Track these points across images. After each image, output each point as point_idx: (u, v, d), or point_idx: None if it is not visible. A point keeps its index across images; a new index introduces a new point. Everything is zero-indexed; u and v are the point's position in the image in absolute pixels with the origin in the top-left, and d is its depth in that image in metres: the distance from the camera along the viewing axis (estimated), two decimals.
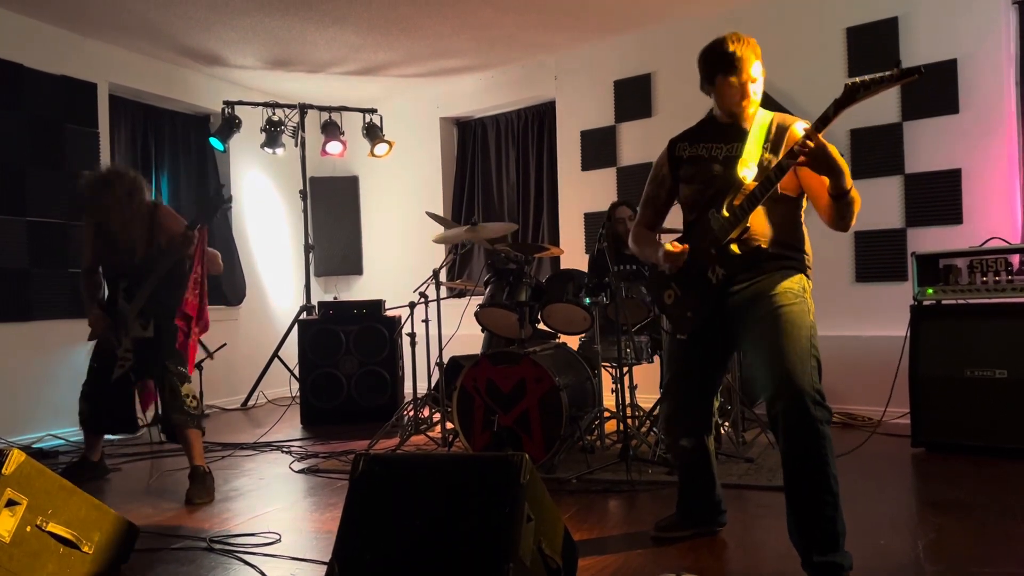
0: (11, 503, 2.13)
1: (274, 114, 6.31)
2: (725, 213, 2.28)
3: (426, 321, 4.55)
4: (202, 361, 5.55)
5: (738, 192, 2.25)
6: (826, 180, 2.12)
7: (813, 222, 2.40)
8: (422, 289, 4.51)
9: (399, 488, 1.96)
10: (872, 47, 4.76)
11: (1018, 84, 4.45)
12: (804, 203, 2.38)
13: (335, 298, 6.68)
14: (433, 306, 4.46)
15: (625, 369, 3.85)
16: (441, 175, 7.01)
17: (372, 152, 6.50)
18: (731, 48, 2.29)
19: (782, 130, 2.31)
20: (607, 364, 4.16)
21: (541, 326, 4.31)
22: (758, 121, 2.35)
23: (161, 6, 4.88)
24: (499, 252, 4.54)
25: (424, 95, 6.98)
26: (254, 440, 4.66)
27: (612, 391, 3.87)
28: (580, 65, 6.03)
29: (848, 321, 4.76)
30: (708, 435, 2.59)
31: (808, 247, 2.40)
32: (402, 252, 7.05)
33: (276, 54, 5.84)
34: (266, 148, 6.31)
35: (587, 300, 3.83)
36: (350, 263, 7.33)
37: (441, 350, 4.43)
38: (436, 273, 4.40)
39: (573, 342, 4.45)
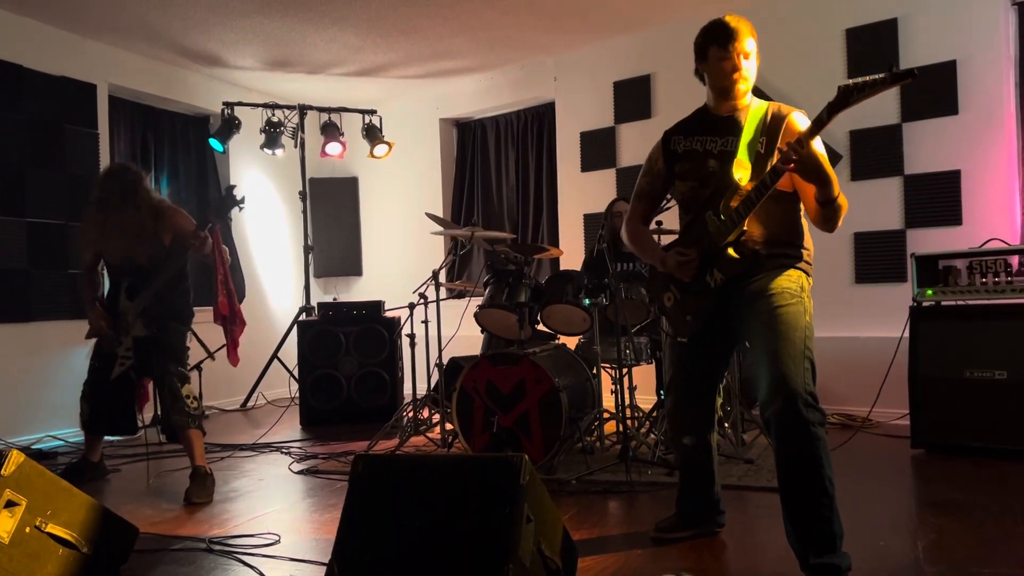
0: (10, 504, 2.13)
1: (274, 115, 6.31)
2: (722, 216, 2.27)
3: (426, 322, 4.55)
4: (201, 362, 5.55)
5: (734, 193, 2.24)
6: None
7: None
8: (421, 290, 4.52)
9: (399, 489, 1.96)
10: (871, 48, 4.76)
11: (1017, 85, 4.46)
12: None
13: (334, 299, 6.67)
14: (433, 307, 4.46)
15: (624, 370, 3.85)
16: (440, 176, 7.01)
17: (371, 153, 6.50)
18: (725, 19, 2.31)
19: (778, 119, 2.28)
20: (606, 365, 4.16)
21: (540, 327, 4.31)
22: (752, 111, 2.33)
23: (161, 7, 4.88)
24: (499, 253, 4.54)
25: (423, 96, 6.98)
26: (253, 441, 4.66)
27: (612, 392, 3.87)
28: (580, 66, 6.03)
29: (847, 322, 4.76)
30: (711, 432, 2.59)
31: (808, 241, 2.37)
32: (402, 253, 7.05)
33: (276, 55, 5.84)
34: (266, 149, 6.31)
35: (586, 301, 3.83)
36: (349, 264, 7.33)
37: (441, 351, 4.43)
38: (435, 274, 4.40)
39: (572, 343, 4.45)
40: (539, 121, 6.56)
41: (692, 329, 2.44)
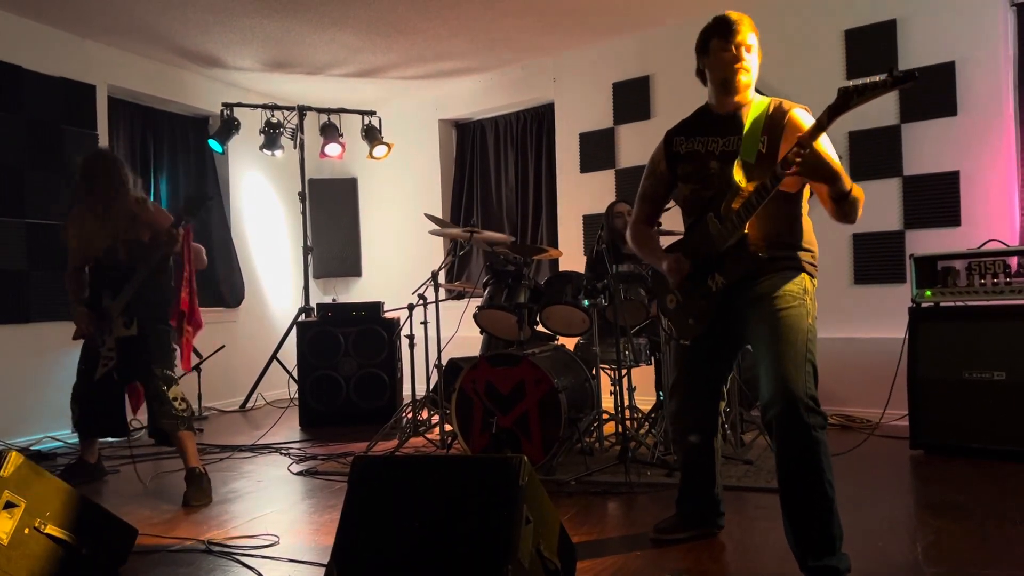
0: (9, 505, 2.13)
1: (273, 116, 6.31)
2: (723, 219, 2.26)
3: (425, 323, 4.55)
4: (198, 365, 5.56)
5: (735, 195, 2.23)
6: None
7: (814, 220, 2.38)
8: (421, 291, 4.52)
9: (398, 490, 1.96)
10: (870, 50, 4.76)
11: (1016, 86, 4.46)
12: (807, 193, 2.33)
13: (334, 300, 6.68)
14: (432, 308, 4.46)
15: (624, 371, 3.85)
16: (440, 177, 7.01)
17: (371, 154, 6.50)
18: (727, 14, 2.32)
19: (780, 116, 2.26)
20: (606, 366, 4.16)
21: (540, 328, 4.31)
22: (755, 108, 2.31)
23: (160, 8, 4.88)
24: (498, 254, 4.54)
25: (423, 97, 6.98)
26: (252, 442, 4.66)
27: (611, 393, 3.87)
28: (579, 67, 6.03)
29: (846, 323, 4.76)
30: (715, 434, 2.59)
31: (812, 241, 2.35)
32: (401, 254, 7.05)
33: (275, 56, 5.84)
34: (265, 150, 6.31)
35: (586, 302, 3.83)
36: (349, 265, 7.33)
37: (440, 352, 4.43)
38: (435, 275, 4.40)
39: (571, 344, 4.45)
40: (538, 122, 6.56)
41: (694, 332, 2.44)
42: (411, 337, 4.52)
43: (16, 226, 4.86)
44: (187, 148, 6.40)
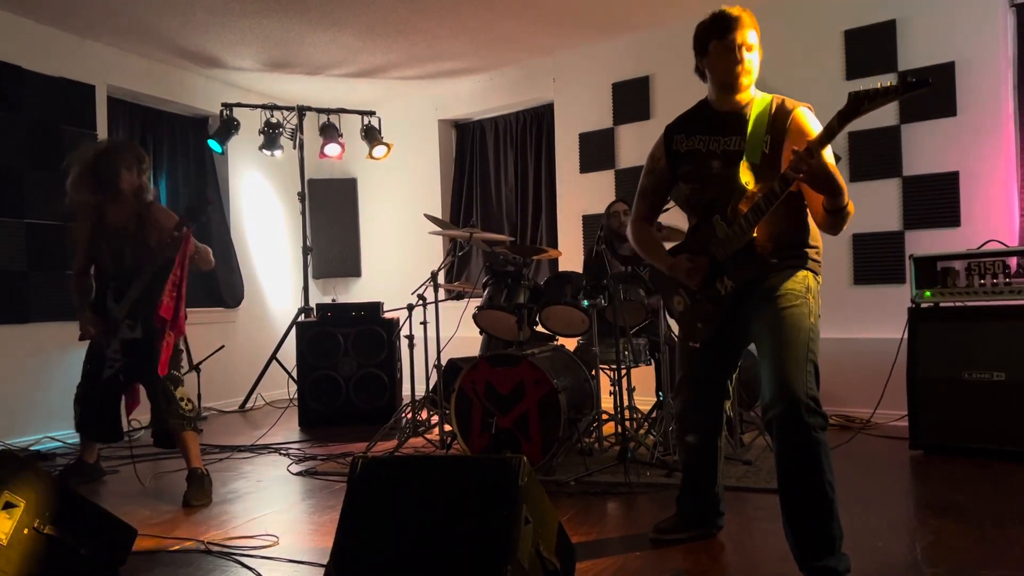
0: (8, 505, 2.13)
1: (272, 116, 6.31)
2: (730, 222, 2.25)
3: (424, 323, 4.55)
4: (198, 364, 5.56)
5: (742, 197, 2.21)
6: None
7: None
8: (420, 291, 4.51)
9: (397, 490, 1.96)
10: (870, 50, 4.77)
11: (1016, 87, 4.46)
12: None
13: (333, 300, 6.68)
14: (431, 308, 4.46)
15: (623, 371, 3.85)
16: (439, 177, 7.01)
17: (370, 154, 6.50)
18: (726, 10, 2.24)
19: (784, 113, 2.23)
20: (605, 366, 4.16)
21: (539, 328, 4.31)
22: (757, 105, 2.27)
23: (160, 8, 4.88)
24: (497, 254, 4.54)
25: (422, 97, 6.98)
26: (252, 442, 4.66)
27: (610, 393, 3.87)
28: (578, 67, 6.03)
29: (846, 323, 4.76)
30: (719, 433, 2.59)
31: (816, 238, 2.33)
32: (400, 254, 7.05)
33: (274, 56, 5.84)
34: (264, 150, 6.31)
35: (585, 303, 3.83)
36: (348, 265, 7.33)
37: (439, 352, 4.43)
38: (434, 275, 4.40)
39: (571, 344, 4.45)
40: (538, 122, 6.56)
41: (703, 336, 2.44)
42: (411, 337, 4.52)
43: (16, 226, 4.86)
44: (187, 148, 6.40)
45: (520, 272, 4.07)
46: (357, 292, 7.36)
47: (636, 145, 5.71)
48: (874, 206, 4.72)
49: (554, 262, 6.16)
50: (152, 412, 3.54)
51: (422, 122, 7.03)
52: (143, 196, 3.53)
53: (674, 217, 3.50)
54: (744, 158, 2.24)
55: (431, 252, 6.69)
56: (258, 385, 6.18)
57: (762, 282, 2.27)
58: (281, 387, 6.28)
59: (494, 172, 6.87)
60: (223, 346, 5.80)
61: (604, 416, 3.95)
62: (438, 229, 4.73)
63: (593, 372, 3.88)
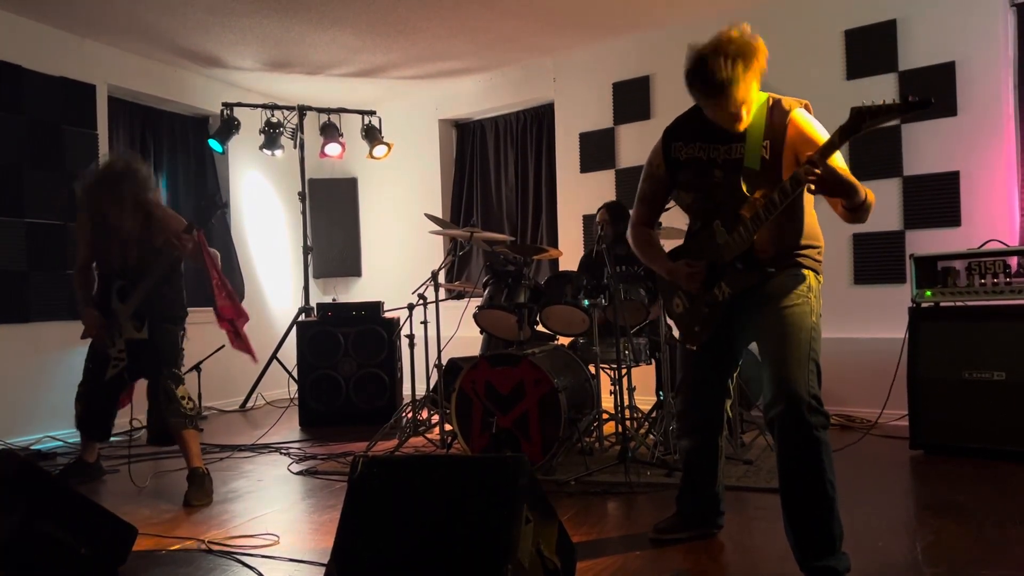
0: (11, 505, 2.13)
1: (273, 116, 6.31)
2: (730, 228, 2.25)
3: (425, 323, 4.55)
4: (201, 363, 5.56)
5: (743, 205, 2.21)
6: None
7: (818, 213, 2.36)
8: (421, 291, 4.51)
9: (398, 490, 1.96)
10: (870, 50, 4.77)
11: (1016, 87, 4.46)
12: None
13: (334, 300, 6.68)
14: (432, 308, 4.46)
15: (623, 371, 3.85)
16: (440, 177, 7.01)
17: (371, 154, 6.50)
18: (710, 70, 2.08)
19: (781, 115, 2.21)
20: (605, 366, 4.16)
21: (540, 328, 4.31)
22: (754, 110, 2.24)
23: (160, 8, 4.88)
24: (498, 254, 4.54)
25: (423, 97, 6.98)
26: (252, 442, 4.66)
27: (611, 393, 3.87)
28: (579, 67, 6.03)
29: (847, 323, 4.76)
30: (719, 433, 2.58)
31: (817, 237, 2.32)
32: (401, 254, 7.05)
33: (275, 56, 5.84)
34: (265, 150, 6.31)
35: (585, 302, 3.83)
36: (349, 265, 7.33)
37: (440, 352, 4.43)
38: (435, 275, 4.40)
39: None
40: (538, 122, 6.56)
41: (700, 339, 2.44)
42: (411, 337, 4.52)
43: (16, 226, 4.86)
44: (187, 148, 6.40)
45: (520, 272, 4.07)
46: (357, 292, 7.36)
47: (636, 145, 5.71)
48: (875, 206, 4.70)
49: (554, 262, 6.16)
50: (149, 410, 3.53)
51: (422, 122, 7.03)
52: (148, 201, 3.52)
53: (674, 217, 3.50)
54: (744, 168, 2.23)
55: (431, 252, 6.69)
56: (258, 385, 6.18)
57: (762, 284, 2.27)
58: (281, 387, 6.29)
59: (494, 172, 6.87)
60: (223, 346, 5.79)
61: (604, 416, 3.95)
62: (438, 229, 4.73)
63: (593, 372, 3.88)
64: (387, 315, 5.44)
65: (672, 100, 5.50)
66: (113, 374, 3.51)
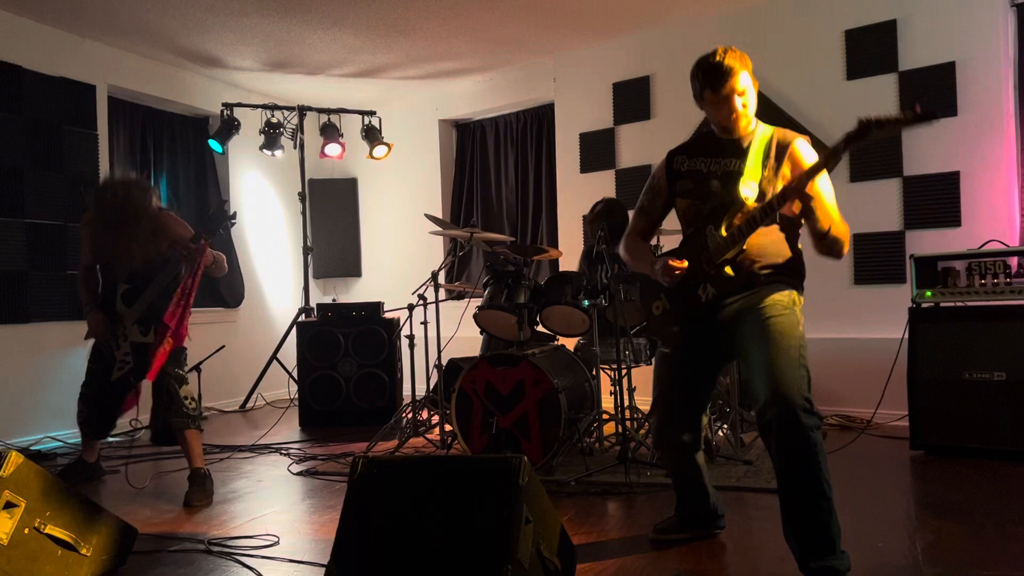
0: (9, 505, 2.13)
1: (273, 116, 6.31)
2: (723, 232, 2.28)
3: (425, 323, 4.55)
4: (200, 363, 5.56)
5: (738, 211, 2.25)
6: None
7: None
8: (421, 291, 4.51)
9: (398, 490, 1.96)
10: (871, 50, 4.77)
11: (1016, 87, 4.46)
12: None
13: (334, 300, 6.68)
14: (432, 308, 4.46)
15: (624, 371, 3.85)
16: (440, 177, 7.01)
17: (371, 154, 6.50)
18: (717, 60, 2.27)
19: (783, 147, 2.31)
20: (606, 366, 4.16)
21: (540, 328, 4.31)
22: (759, 137, 2.34)
23: (160, 8, 4.88)
24: (498, 254, 4.54)
25: (423, 97, 6.98)
26: (252, 442, 4.66)
27: (611, 393, 3.87)
28: (579, 67, 6.03)
29: (847, 323, 4.76)
30: (697, 451, 2.56)
31: (803, 272, 2.39)
32: (401, 254, 7.05)
33: (275, 56, 5.84)
34: (265, 150, 6.31)
35: (585, 303, 3.83)
36: (349, 265, 7.33)
37: (440, 352, 4.42)
38: (435, 275, 4.40)
39: (571, 344, 4.44)
40: (538, 122, 6.56)
41: (677, 341, 2.45)
42: (411, 337, 4.52)
43: (16, 226, 4.86)
44: (187, 148, 6.40)
45: (520, 272, 4.07)
46: (357, 292, 7.36)
47: (636, 145, 5.71)
48: (874, 206, 4.72)
49: (554, 262, 6.16)
50: (153, 410, 3.54)
51: (422, 122, 7.03)
52: (154, 209, 3.53)
53: (674, 217, 3.50)
54: (742, 180, 2.29)
55: (431, 252, 6.69)
56: (258, 385, 6.18)
57: (745, 295, 2.30)
58: (282, 387, 6.29)
59: (494, 172, 6.87)
60: (223, 346, 5.79)
61: (604, 416, 3.95)
62: (438, 229, 4.73)
63: (593, 372, 3.88)
64: (387, 315, 5.44)
65: (672, 100, 5.51)
66: (119, 376, 3.52)
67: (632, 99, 5.74)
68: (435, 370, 4.46)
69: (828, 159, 2.05)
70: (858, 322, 4.76)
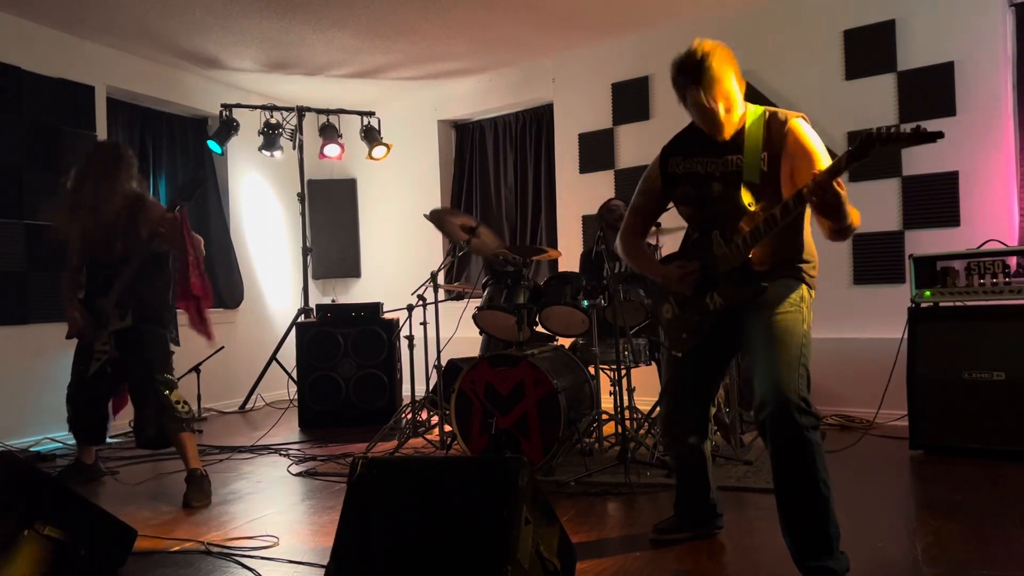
0: (9, 506, 2.13)
1: (272, 117, 6.30)
2: (729, 242, 2.25)
3: (424, 323, 4.55)
4: (200, 364, 5.56)
5: (743, 217, 2.22)
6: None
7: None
8: (420, 292, 4.51)
9: (397, 491, 1.96)
10: (870, 50, 4.77)
11: (1015, 86, 4.46)
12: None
13: (333, 301, 6.67)
14: (431, 308, 4.46)
15: (623, 371, 3.85)
16: (439, 178, 7.01)
17: (370, 155, 6.50)
18: (688, 57, 2.18)
19: (779, 126, 2.23)
20: (605, 366, 4.16)
21: (539, 329, 4.31)
22: (750, 124, 2.26)
23: (159, 9, 4.88)
24: (497, 255, 4.54)
25: (422, 98, 6.98)
26: (252, 443, 4.65)
27: (610, 394, 3.87)
28: (578, 68, 6.03)
29: (846, 323, 4.77)
30: (704, 440, 2.57)
31: (812, 254, 2.34)
32: (400, 255, 7.05)
33: (274, 57, 5.84)
34: (264, 151, 6.30)
35: (585, 303, 3.83)
36: (348, 266, 7.33)
37: (439, 353, 4.42)
38: (434, 275, 4.40)
39: (567, 345, 4.44)
40: (537, 123, 6.56)
41: (687, 346, 2.45)
42: (410, 338, 4.52)
43: (15, 227, 4.86)
44: (186, 149, 6.40)
45: (520, 272, 4.07)
46: (357, 292, 7.36)
47: (636, 145, 5.71)
48: (874, 206, 4.72)
49: (554, 262, 6.16)
50: (136, 414, 3.50)
51: (422, 123, 7.03)
52: (135, 191, 3.52)
53: (674, 217, 3.50)
54: (743, 179, 2.24)
55: (431, 252, 6.69)
56: (258, 386, 6.18)
57: (753, 299, 2.27)
58: (281, 388, 6.28)
59: (494, 172, 6.87)
60: (223, 347, 5.79)
61: (604, 416, 3.95)
62: (438, 233, 4.72)
63: (593, 372, 3.88)
64: (386, 316, 5.44)
65: (671, 100, 5.40)
66: (96, 368, 3.47)
67: (631, 99, 5.74)
68: (434, 371, 4.46)
69: (831, 173, 1.98)
70: (857, 322, 4.76)
